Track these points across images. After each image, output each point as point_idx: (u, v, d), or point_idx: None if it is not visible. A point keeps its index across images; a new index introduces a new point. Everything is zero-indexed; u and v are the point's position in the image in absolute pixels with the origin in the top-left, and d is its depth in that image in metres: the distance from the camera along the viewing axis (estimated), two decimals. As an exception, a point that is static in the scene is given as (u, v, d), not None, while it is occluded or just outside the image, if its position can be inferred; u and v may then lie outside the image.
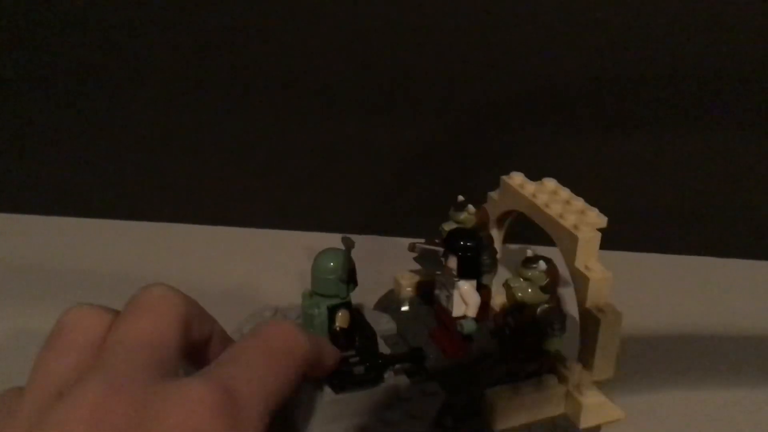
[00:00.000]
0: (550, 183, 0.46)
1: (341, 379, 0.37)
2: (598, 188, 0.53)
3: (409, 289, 0.51)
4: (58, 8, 0.56)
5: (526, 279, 0.40)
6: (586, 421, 0.40)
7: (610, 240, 0.51)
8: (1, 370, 0.37)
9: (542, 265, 0.40)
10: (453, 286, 0.44)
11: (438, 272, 0.45)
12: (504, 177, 0.47)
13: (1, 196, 0.62)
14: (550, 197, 0.44)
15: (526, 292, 0.40)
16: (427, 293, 0.49)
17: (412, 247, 0.47)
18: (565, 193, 0.45)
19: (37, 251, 0.58)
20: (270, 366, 0.25)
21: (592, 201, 0.47)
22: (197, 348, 0.27)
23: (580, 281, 0.40)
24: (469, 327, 0.43)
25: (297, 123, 0.59)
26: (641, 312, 0.51)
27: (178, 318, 0.25)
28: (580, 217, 0.42)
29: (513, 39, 0.54)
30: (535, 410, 0.40)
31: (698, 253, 0.57)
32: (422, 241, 0.46)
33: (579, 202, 0.43)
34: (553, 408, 0.41)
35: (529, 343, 0.41)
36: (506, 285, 0.41)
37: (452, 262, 0.43)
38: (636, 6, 0.52)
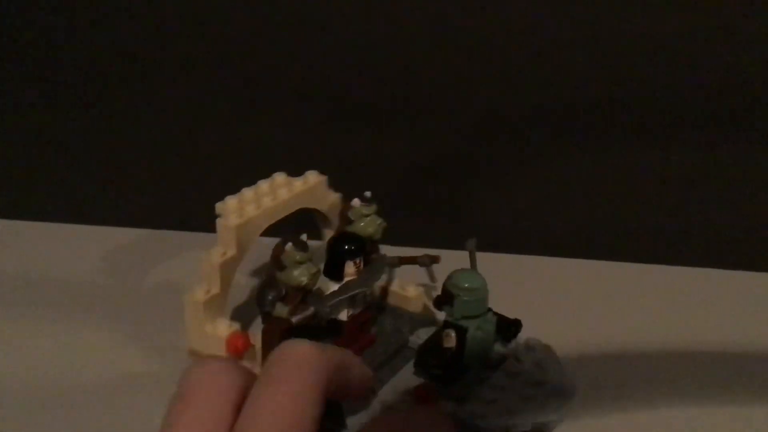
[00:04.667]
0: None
1: None
2: (602, 200, 0.56)
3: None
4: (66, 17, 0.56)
5: (374, 214, 0.48)
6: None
7: (612, 251, 0.57)
8: None
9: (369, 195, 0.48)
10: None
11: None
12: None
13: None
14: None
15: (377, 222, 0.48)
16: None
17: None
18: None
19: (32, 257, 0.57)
20: None
21: (595, 211, 0.53)
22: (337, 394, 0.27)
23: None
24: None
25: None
26: (645, 322, 0.50)
27: (318, 386, 0.24)
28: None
29: (517, 53, 0.53)
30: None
31: (701, 265, 0.56)
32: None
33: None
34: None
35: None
36: (373, 229, 0.47)
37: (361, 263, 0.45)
38: (645, 20, 0.52)
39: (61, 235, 0.61)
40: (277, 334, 0.44)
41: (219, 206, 0.44)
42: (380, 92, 0.57)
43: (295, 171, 0.48)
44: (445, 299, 0.40)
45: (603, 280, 0.54)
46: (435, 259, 0.51)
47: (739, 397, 0.43)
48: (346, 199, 0.48)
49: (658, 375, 0.45)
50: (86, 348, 0.48)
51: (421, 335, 0.46)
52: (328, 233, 0.51)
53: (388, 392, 0.41)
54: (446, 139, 0.58)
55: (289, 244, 0.42)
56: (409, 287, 0.50)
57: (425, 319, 0.49)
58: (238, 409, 0.23)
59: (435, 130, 0.58)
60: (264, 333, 0.44)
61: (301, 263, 0.42)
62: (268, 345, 0.44)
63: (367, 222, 0.47)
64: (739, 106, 0.55)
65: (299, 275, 0.42)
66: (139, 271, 0.56)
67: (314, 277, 0.42)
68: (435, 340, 0.43)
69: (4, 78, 0.59)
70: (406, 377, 0.42)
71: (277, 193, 0.45)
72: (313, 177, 0.48)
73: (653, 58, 0.54)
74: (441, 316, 0.47)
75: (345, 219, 0.47)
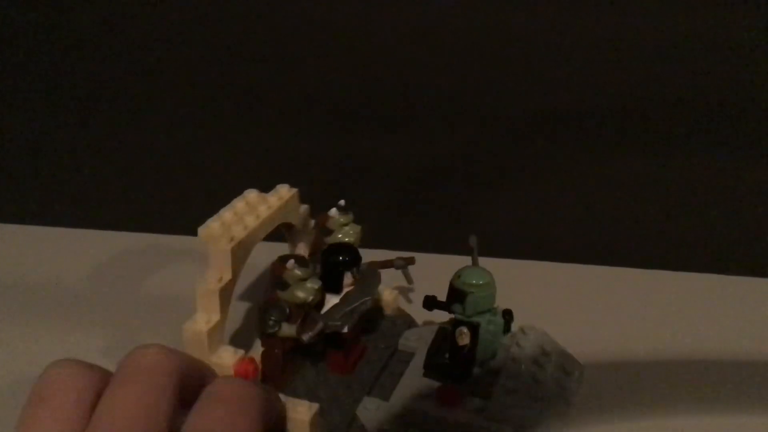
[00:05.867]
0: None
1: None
2: (602, 205, 0.57)
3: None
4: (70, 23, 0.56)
5: (351, 222, 0.48)
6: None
7: (612, 256, 0.56)
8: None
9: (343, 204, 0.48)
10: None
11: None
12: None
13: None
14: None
15: (356, 230, 0.49)
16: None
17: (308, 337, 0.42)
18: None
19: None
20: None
21: (595, 216, 0.53)
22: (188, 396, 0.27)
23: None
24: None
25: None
26: (645, 327, 0.50)
27: (169, 386, 0.25)
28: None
29: (517, 60, 0.54)
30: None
31: (701, 270, 0.55)
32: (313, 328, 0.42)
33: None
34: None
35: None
36: (353, 237, 0.47)
37: (357, 273, 0.45)
38: (646, 28, 0.52)
39: (58, 239, 0.62)
40: (279, 354, 0.43)
41: (202, 231, 0.42)
42: (380, 97, 0.57)
43: (292, 180, 0.48)
44: (455, 298, 0.41)
45: (603, 286, 0.55)
46: (409, 261, 0.51)
47: (739, 402, 0.43)
48: (324, 209, 0.47)
49: (657, 380, 0.46)
50: (81, 352, 0.47)
51: (410, 337, 0.47)
52: (302, 246, 0.50)
53: (405, 398, 0.41)
54: (446, 144, 0.58)
55: (291, 262, 0.41)
56: (385, 291, 0.50)
57: (405, 321, 0.50)
58: (94, 409, 0.24)
59: (435, 136, 0.58)
60: (264, 355, 0.43)
61: (304, 280, 0.41)
62: (271, 366, 0.43)
63: (346, 230, 0.47)
64: (738, 113, 0.55)
65: (304, 292, 0.41)
66: (135, 276, 0.57)
67: (318, 293, 0.42)
68: (441, 340, 0.43)
69: (5, 82, 0.60)
70: (414, 380, 0.43)
71: (259, 210, 0.44)
72: (285, 191, 0.47)
73: (653, 65, 0.54)
74: (421, 316, 0.48)
75: (324, 230, 0.47)
